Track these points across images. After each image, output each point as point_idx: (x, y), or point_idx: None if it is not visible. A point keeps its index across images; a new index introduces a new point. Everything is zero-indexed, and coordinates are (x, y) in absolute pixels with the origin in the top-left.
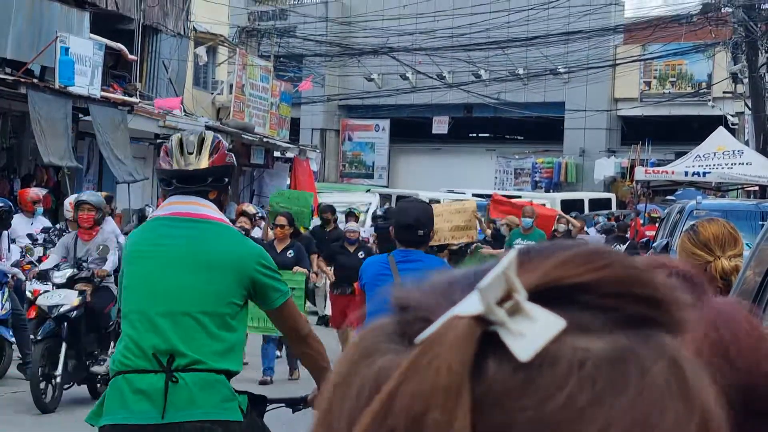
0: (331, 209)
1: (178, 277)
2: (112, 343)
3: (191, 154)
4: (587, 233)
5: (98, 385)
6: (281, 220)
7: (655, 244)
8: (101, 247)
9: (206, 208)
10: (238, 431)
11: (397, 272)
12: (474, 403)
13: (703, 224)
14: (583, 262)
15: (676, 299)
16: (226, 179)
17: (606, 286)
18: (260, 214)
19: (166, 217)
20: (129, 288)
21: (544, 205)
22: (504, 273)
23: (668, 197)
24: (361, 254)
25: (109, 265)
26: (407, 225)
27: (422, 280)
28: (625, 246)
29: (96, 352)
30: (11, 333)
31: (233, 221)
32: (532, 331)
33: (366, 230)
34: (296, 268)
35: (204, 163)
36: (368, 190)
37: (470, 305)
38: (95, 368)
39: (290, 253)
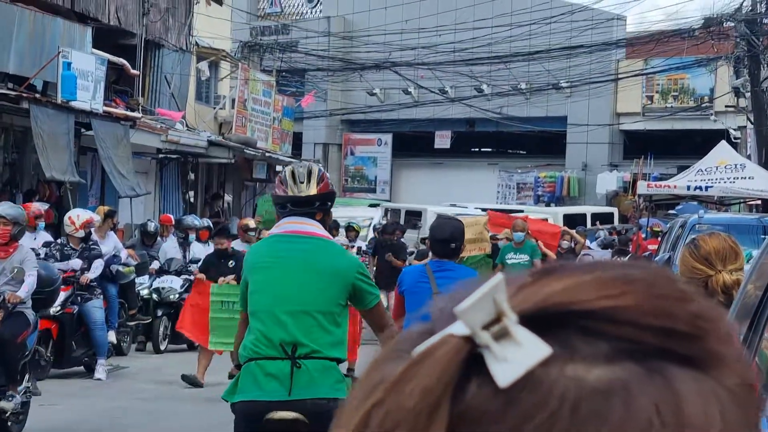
0: (334, 224)
1: (298, 282)
2: (27, 376)
3: (302, 183)
4: (589, 247)
5: (8, 423)
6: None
7: (657, 258)
8: (16, 269)
9: (314, 227)
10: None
11: (433, 280)
12: (451, 422)
13: (704, 238)
14: (595, 287)
15: (707, 331)
16: (329, 203)
17: (618, 314)
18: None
19: (282, 234)
20: (256, 292)
21: (546, 220)
22: (490, 295)
23: (670, 211)
24: None
25: (24, 291)
26: (443, 239)
27: (454, 292)
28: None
29: (3, 387)
30: None
31: (235, 236)
32: (515, 357)
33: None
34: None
35: (313, 190)
36: (375, 205)
37: (463, 325)
38: (2, 404)
39: (231, 263)
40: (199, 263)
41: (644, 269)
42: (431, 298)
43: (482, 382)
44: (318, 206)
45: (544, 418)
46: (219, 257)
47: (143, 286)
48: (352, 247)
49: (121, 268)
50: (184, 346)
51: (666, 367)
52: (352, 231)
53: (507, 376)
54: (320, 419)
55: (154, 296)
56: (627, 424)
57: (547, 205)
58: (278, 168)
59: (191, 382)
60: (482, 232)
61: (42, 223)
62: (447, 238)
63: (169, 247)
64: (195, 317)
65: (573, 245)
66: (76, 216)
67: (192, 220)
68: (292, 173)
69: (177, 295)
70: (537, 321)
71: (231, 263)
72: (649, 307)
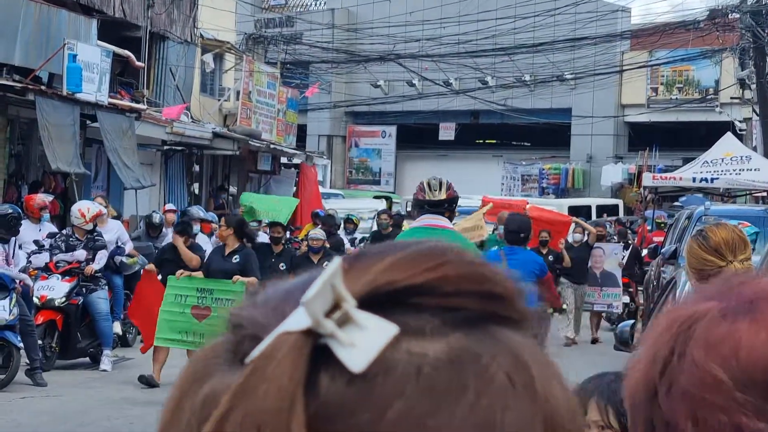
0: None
1: None
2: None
3: (435, 191)
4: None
5: None
6: (223, 221)
7: (663, 250)
8: None
9: (443, 221)
10: None
11: (505, 261)
12: (309, 420)
13: (712, 229)
14: (414, 263)
15: (517, 291)
16: (454, 205)
17: (442, 285)
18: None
19: (421, 227)
20: None
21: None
22: (329, 282)
23: (675, 203)
24: (325, 264)
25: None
26: (513, 230)
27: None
28: (628, 252)
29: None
30: (19, 338)
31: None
32: (363, 341)
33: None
34: (236, 278)
35: (442, 196)
36: (379, 197)
37: (299, 319)
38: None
39: (236, 259)
40: (155, 256)
41: (446, 243)
42: None
43: (334, 374)
44: (446, 207)
45: (405, 399)
46: (176, 251)
47: None
48: (352, 241)
49: (125, 259)
50: None
51: (498, 330)
52: (350, 223)
53: (360, 361)
54: None
55: None
56: (486, 389)
57: (558, 197)
58: (283, 159)
59: (147, 382)
60: (479, 219)
61: (46, 215)
62: (516, 229)
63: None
64: (144, 308)
65: (586, 237)
66: (86, 209)
67: (196, 211)
68: (428, 183)
69: None
70: (371, 302)
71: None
72: (468, 275)
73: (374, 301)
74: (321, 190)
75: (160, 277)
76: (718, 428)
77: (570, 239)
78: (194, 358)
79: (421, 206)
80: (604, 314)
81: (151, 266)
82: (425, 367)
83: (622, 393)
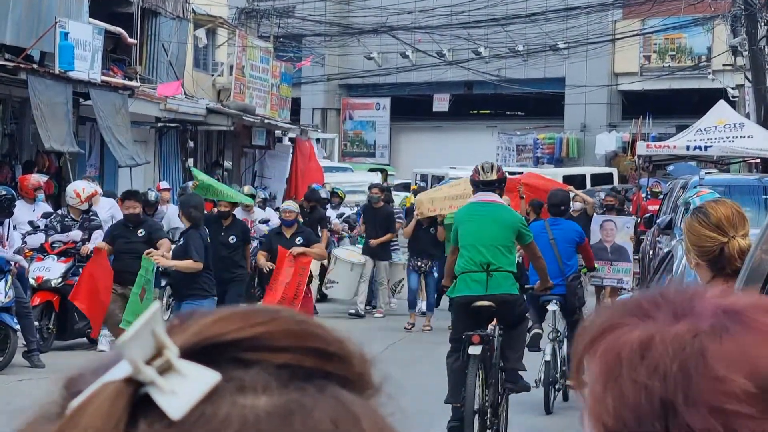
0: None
1: (490, 229)
2: None
3: (488, 172)
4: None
5: None
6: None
7: (659, 221)
8: None
9: (495, 196)
10: (521, 301)
11: (550, 231)
12: None
13: (711, 206)
14: (243, 318)
15: (351, 353)
16: (503, 184)
17: (270, 340)
18: (263, 195)
19: (478, 202)
20: (465, 234)
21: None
22: (149, 326)
23: (667, 172)
24: (299, 240)
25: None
26: (556, 204)
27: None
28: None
29: None
30: (16, 321)
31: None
32: (184, 389)
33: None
34: (151, 252)
35: (493, 176)
36: (374, 170)
37: (121, 369)
38: None
39: (180, 241)
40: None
41: (279, 307)
42: (549, 244)
43: (153, 421)
44: (496, 186)
45: None
46: (127, 225)
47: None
48: (340, 216)
49: None
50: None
51: (330, 387)
52: (335, 197)
53: (179, 408)
54: (503, 305)
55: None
56: None
57: (556, 165)
58: (277, 133)
59: None
60: (467, 186)
61: (41, 195)
62: (558, 203)
63: (173, 215)
64: (91, 290)
65: (584, 206)
66: (82, 189)
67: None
68: (482, 167)
69: None
70: (195, 355)
71: (141, 232)
72: (299, 331)
73: (200, 353)
74: (329, 163)
75: (112, 258)
76: None
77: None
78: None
79: (477, 185)
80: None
81: (102, 244)
82: (249, 416)
83: None
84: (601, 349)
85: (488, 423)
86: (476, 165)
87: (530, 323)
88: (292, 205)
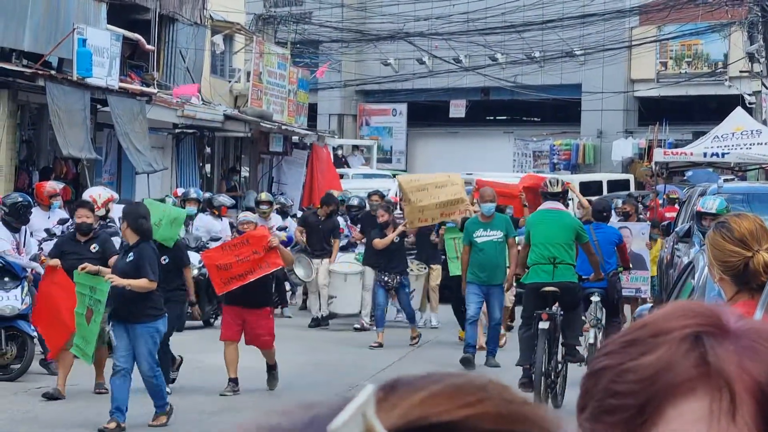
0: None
1: (555, 231)
2: None
3: (554, 186)
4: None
5: None
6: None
7: (677, 229)
8: None
9: (560, 205)
10: (579, 288)
11: (594, 234)
12: None
13: (734, 220)
14: (451, 397)
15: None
16: (567, 195)
17: (482, 423)
18: (283, 201)
19: (545, 209)
20: (536, 234)
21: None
22: (361, 411)
23: (684, 178)
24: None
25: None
26: (600, 210)
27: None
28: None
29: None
30: (33, 328)
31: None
32: None
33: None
34: (87, 267)
35: (558, 189)
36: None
37: None
38: None
39: (130, 257)
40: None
41: (484, 378)
42: (594, 245)
43: None
44: (561, 196)
45: None
46: (77, 240)
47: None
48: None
49: None
50: (200, 323)
51: None
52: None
53: None
54: (565, 290)
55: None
56: None
57: (572, 171)
58: (294, 139)
59: (52, 397)
60: (459, 191)
61: (57, 202)
62: (601, 209)
63: (208, 224)
64: (51, 311)
65: (581, 210)
66: (98, 195)
67: (223, 199)
68: (549, 181)
69: (196, 271)
70: None
71: (94, 247)
72: (508, 414)
73: None
74: (368, 170)
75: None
76: None
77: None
78: None
79: (545, 196)
80: (640, 299)
81: (54, 261)
82: None
83: None
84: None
85: (551, 384)
86: (545, 179)
87: None
88: (250, 215)
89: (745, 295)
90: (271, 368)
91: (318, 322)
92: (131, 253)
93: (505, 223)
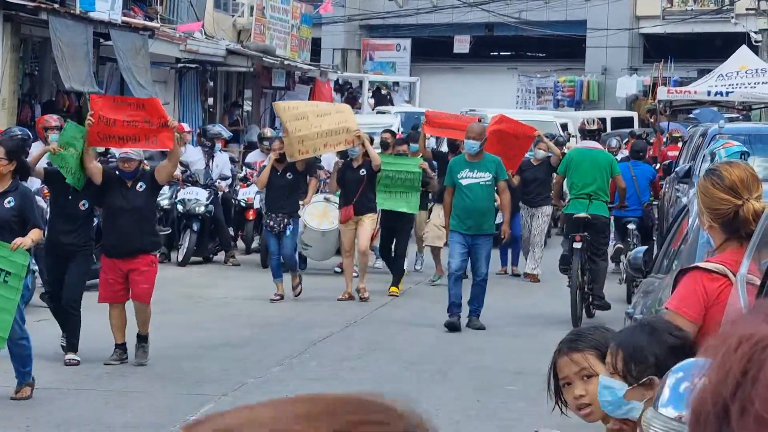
0: None
1: (593, 171)
2: None
3: (591, 124)
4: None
5: None
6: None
7: (677, 169)
8: None
9: (596, 144)
10: (608, 221)
11: (632, 170)
12: None
13: (725, 168)
14: (275, 423)
15: None
16: (601, 133)
17: None
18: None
19: (582, 148)
20: (576, 172)
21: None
22: None
23: (689, 116)
24: (140, 186)
25: None
26: (637, 150)
27: None
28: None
29: None
30: (34, 261)
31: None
32: None
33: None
34: (16, 243)
35: (594, 127)
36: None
37: None
38: None
39: (9, 202)
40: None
41: (331, 398)
42: (631, 180)
43: None
44: (597, 134)
45: None
46: None
47: (163, 196)
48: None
49: None
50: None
51: None
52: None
53: None
54: (596, 219)
55: (179, 207)
56: None
57: (576, 108)
58: (297, 74)
59: None
60: (346, 120)
61: (53, 135)
62: (638, 150)
63: (193, 156)
64: None
65: (548, 154)
66: None
67: (219, 129)
68: (587, 120)
69: (203, 208)
70: None
71: (9, 202)
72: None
73: None
74: (410, 108)
75: None
76: None
77: (530, 155)
78: None
79: (583, 134)
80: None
81: None
82: None
83: (638, 339)
84: (710, 342)
85: (584, 295)
86: (583, 119)
87: (615, 241)
88: (132, 152)
89: (734, 243)
90: (142, 339)
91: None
92: (10, 198)
93: (495, 164)
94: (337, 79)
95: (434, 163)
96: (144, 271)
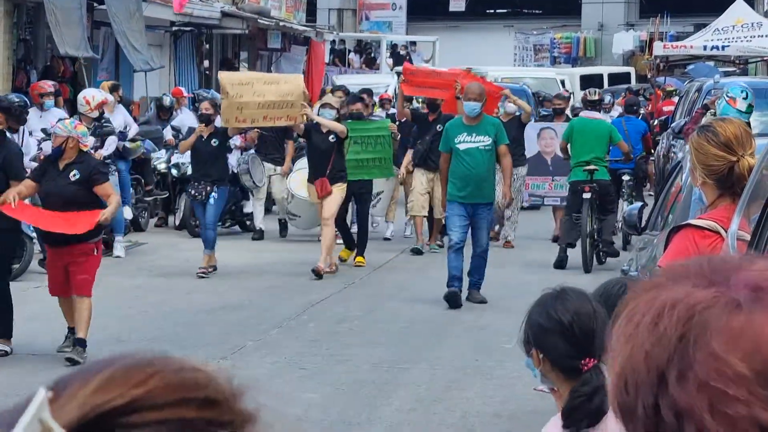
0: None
1: (593, 141)
2: None
3: (593, 95)
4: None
5: None
6: None
7: (673, 125)
8: None
9: (598, 114)
10: (611, 184)
11: (625, 125)
12: None
13: (719, 124)
14: (120, 380)
15: (232, 394)
16: (603, 103)
17: (152, 399)
18: None
19: (586, 118)
20: (578, 141)
21: (484, 77)
22: (37, 417)
23: (685, 70)
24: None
25: None
26: (631, 104)
27: None
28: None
29: None
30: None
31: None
32: None
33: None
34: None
35: (596, 98)
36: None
37: None
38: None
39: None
40: None
41: (153, 355)
42: (624, 134)
43: None
44: (599, 104)
45: None
46: None
47: (160, 160)
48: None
49: (128, 144)
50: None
51: None
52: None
53: None
54: (602, 185)
55: (174, 171)
56: None
57: (573, 65)
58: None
59: None
60: (293, 93)
61: (49, 101)
62: (631, 104)
63: (188, 121)
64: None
65: (519, 113)
66: (92, 97)
67: (213, 95)
68: (589, 91)
69: (164, 165)
70: (86, 427)
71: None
72: (178, 384)
73: (88, 426)
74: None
75: None
76: (736, 421)
77: (500, 110)
78: None
79: (585, 104)
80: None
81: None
82: None
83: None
84: (631, 306)
85: (594, 244)
86: (586, 90)
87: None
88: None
89: (726, 199)
90: (79, 342)
91: (261, 234)
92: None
93: (495, 127)
94: (359, 41)
95: (414, 127)
96: (81, 262)
